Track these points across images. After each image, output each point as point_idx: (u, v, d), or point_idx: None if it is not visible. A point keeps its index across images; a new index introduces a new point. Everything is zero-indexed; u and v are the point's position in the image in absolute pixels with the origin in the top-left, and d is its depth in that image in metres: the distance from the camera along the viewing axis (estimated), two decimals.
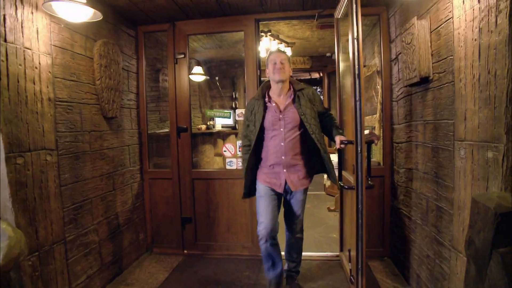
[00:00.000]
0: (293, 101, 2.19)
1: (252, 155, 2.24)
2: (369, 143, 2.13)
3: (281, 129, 2.17)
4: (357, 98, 1.83)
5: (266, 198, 2.21)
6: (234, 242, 3.08)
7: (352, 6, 1.89)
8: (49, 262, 1.94)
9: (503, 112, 1.32)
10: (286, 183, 2.21)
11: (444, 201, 1.85)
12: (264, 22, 3.19)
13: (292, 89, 2.24)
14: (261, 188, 2.25)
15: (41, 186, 1.92)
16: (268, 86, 2.29)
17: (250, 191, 2.35)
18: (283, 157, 2.17)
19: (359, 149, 1.83)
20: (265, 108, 2.23)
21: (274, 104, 2.21)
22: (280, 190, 2.22)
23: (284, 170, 2.19)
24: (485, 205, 1.21)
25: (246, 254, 3.03)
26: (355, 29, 1.85)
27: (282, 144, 2.16)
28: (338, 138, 2.13)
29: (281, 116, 2.17)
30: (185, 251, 3.15)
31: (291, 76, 2.33)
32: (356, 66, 1.88)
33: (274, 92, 2.24)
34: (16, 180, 1.73)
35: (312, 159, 2.26)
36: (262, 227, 2.17)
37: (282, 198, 2.32)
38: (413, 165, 2.32)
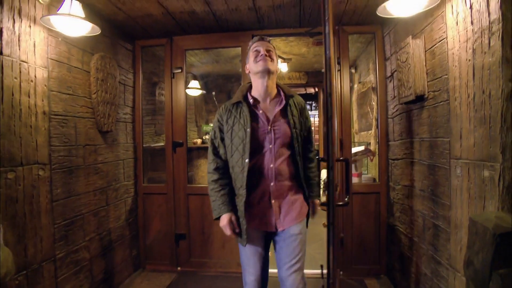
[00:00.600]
0: (284, 109, 1.72)
1: (230, 182, 1.74)
2: (346, 161, 1.87)
3: (270, 146, 1.66)
4: (329, 116, 1.82)
5: (251, 243, 1.71)
6: (229, 259, 3.02)
7: (324, 27, 1.95)
8: (38, 281, 1.88)
9: (498, 132, 1.33)
10: (281, 217, 1.70)
11: (441, 219, 1.85)
12: None
13: (282, 94, 1.75)
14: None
15: (32, 201, 1.88)
16: (249, 87, 1.79)
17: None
18: (271, 184, 1.65)
19: (330, 165, 1.79)
20: (251, 114, 1.70)
21: (261, 112, 1.70)
22: (271, 228, 1.70)
23: (273, 201, 1.67)
24: (483, 225, 1.21)
25: (241, 271, 2.97)
26: (327, 49, 1.89)
27: (272, 166, 1.65)
28: (316, 202, 1.83)
29: (269, 128, 1.67)
30: (179, 268, 3.08)
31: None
32: (328, 85, 1.92)
33: (258, 93, 1.73)
34: (6, 196, 1.69)
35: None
36: (252, 279, 1.72)
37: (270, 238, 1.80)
38: (409, 182, 2.32)
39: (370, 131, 3.71)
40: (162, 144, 3.91)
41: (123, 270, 2.86)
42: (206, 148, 4.59)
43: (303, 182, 1.74)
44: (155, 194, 3.12)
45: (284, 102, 1.73)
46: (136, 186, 3.12)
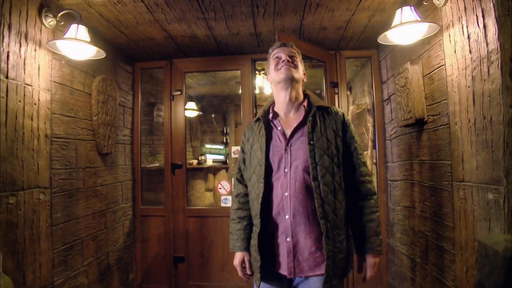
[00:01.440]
0: (305, 121, 1.44)
1: (251, 213, 1.52)
2: None
3: (285, 170, 1.40)
4: None
5: (266, 281, 1.47)
6: (229, 282, 2.96)
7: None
8: None
9: (501, 156, 1.38)
10: (294, 261, 1.38)
11: (445, 241, 1.87)
12: (260, 62, 3.29)
13: (305, 104, 1.50)
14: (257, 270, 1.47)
15: (32, 226, 1.83)
16: (274, 101, 1.58)
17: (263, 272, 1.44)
18: (286, 217, 1.38)
19: None
20: (269, 131, 1.50)
21: (280, 128, 1.48)
22: (285, 272, 1.39)
23: (288, 240, 1.38)
24: (493, 248, 1.23)
25: None
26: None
27: (287, 194, 1.38)
28: (371, 260, 1.43)
29: (286, 147, 1.43)
30: None
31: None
32: None
33: (280, 106, 1.51)
34: (7, 221, 1.65)
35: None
36: None
37: None
38: (410, 203, 2.35)
39: (366, 152, 3.77)
40: (157, 164, 3.89)
41: None
42: (202, 169, 4.59)
43: (324, 224, 1.34)
44: (153, 216, 3.08)
45: (303, 114, 1.46)
46: (134, 208, 3.07)
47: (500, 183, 1.39)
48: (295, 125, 1.45)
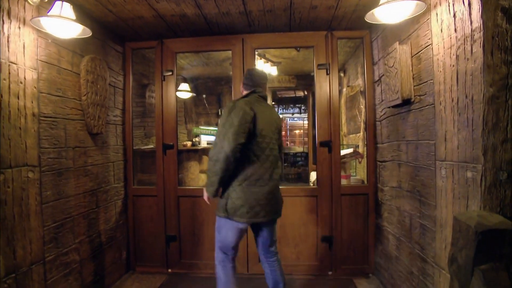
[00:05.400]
0: None
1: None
2: None
3: None
4: None
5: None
6: None
7: None
8: (27, 284, 1.86)
9: (480, 135, 1.39)
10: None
11: (427, 219, 1.91)
12: (259, 50, 3.24)
13: None
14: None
15: (21, 203, 1.86)
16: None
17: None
18: None
19: None
20: None
21: None
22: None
23: None
24: (466, 224, 1.26)
25: None
26: None
27: None
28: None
29: None
30: (169, 270, 3.07)
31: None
32: None
33: None
34: None
35: None
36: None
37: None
38: (397, 183, 2.38)
39: (358, 134, 3.78)
40: (152, 146, 3.91)
41: (113, 272, 2.84)
42: (196, 151, 4.60)
43: None
44: (145, 196, 3.11)
45: None
46: (126, 188, 3.10)
47: (478, 161, 1.41)
48: None
